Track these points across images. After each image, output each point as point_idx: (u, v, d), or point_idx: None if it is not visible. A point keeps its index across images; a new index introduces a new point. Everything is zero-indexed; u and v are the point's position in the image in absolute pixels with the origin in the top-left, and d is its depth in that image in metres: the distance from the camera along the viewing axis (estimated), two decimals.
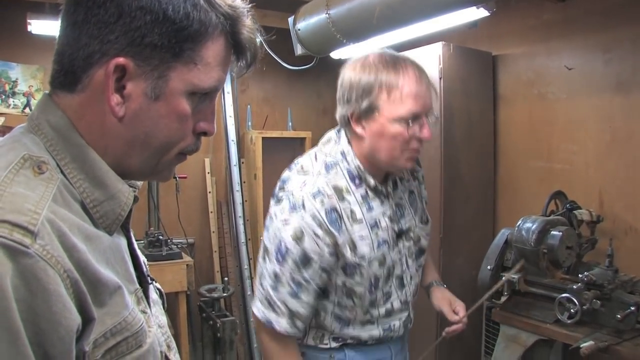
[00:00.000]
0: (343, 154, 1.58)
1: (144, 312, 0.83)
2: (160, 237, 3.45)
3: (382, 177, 1.63)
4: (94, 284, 0.69)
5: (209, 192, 4.32)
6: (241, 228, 3.91)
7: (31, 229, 0.63)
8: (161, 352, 0.86)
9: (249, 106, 4.41)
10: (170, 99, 0.78)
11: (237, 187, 3.93)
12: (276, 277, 1.50)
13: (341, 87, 1.55)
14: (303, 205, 1.47)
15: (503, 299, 2.40)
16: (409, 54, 3.07)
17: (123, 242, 0.85)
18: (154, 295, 0.95)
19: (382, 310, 1.62)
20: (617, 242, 2.41)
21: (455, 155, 3.01)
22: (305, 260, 1.47)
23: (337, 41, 2.39)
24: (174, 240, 3.65)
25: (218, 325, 3.40)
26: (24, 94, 3.64)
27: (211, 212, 4.30)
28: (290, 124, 4.42)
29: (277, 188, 1.58)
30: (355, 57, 1.58)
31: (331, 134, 1.65)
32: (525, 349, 2.30)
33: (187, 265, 3.41)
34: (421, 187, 1.81)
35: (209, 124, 0.85)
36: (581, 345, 1.94)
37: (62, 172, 0.74)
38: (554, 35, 2.92)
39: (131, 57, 0.74)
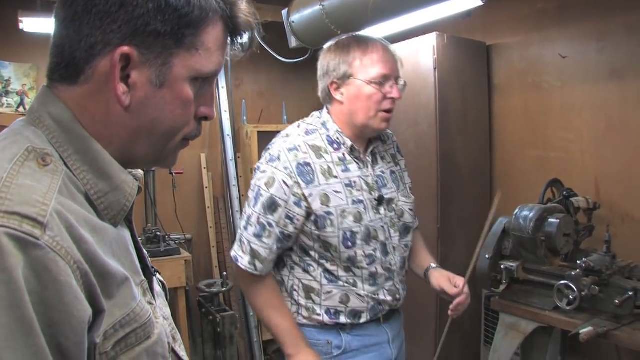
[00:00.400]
0: (324, 123, 1.79)
1: (150, 303, 0.83)
2: (158, 234, 3.45)
3: (364, 149, 1.82)
4: (102, 275, 0.69)
5: (206, 188, 4.31)
6: (238, 223, 3.90)
7: (40, 221, 0.63)
8: (168, 343, 0.86)
9: (243, 101, 4.40)
10: (175, 85, 0.78)
11: (233, 181, 3.92)
12: (248, 219, 1.72)
13: (320, 65, 1.80)
14: (279, 158, 1.69)
15: (502, 287, 2.41)
16: (403, 44, 3.11)
17: (127, 234, 0.85)
18: (157, 287, 0.95)
19: (366, 272, 1.74)
20: (614, 229, 2.42)
21: (451, 146, 3.01)
22: (271, 205, 1.67)
23: (331, 33, 2.38)
24: (171, 236, 3.65)
25: (218, 320, 3.40)
26: (17, 93, 3.63)
27: (208, 207, 4.30)
28: (285, 117, 4.41)
29: (264, 151, 1.80)
30: (330, 41, 1.82)
31: (315, 112, 1.86)
32: (524, 336, 2.31)
33: (185, 261, 3.41)
34: (404, 174, 1.97)
35: (210, 108, 0.86)
36: (580, 332, 1.95)
37: (65, 164, 0.74)
38: (548, 24, 2.92)
39: (135, 45, 0.74)
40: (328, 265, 1.74)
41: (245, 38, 0.86)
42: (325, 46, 1.82)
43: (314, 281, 1.75)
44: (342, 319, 1.75)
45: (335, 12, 2.31)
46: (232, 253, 1.78)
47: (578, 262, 2.10)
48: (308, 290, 1.77)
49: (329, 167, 1.71)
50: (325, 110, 1.83)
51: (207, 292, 3.59)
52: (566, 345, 2.44)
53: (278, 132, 1.83)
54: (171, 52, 0.77)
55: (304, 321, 1.79)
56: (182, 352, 0.93)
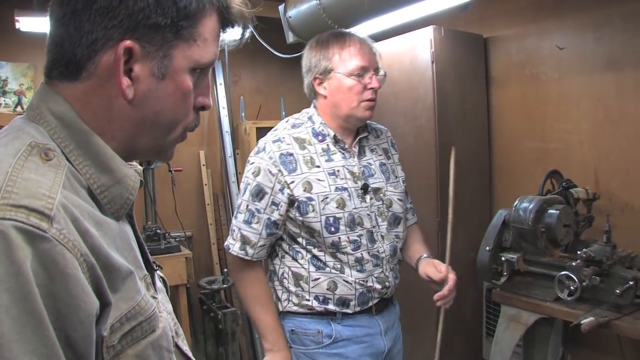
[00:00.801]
0: (310, 117, 1.90)
1: (154, 297, 0.84)
2: (158, 231, 3.45)
3: (351, 140, 1.90)
4: (108, 269, 0.70)
5: (205, 185, 4.31)
6: None
7: (47, 213, 0.63)
8: (172, 337, 0.86)
9: (241, 97, 4.39)
10: (176, 76, 0.80)
11: (232, 178, 3.93)
12: (239, 207, 1.83)
13: (304, 63, 1.90)
14: (264, 149, 1.80)
15: (503, 279, 2.41)
16: (401, 38, 3.10)
17: (129, 229, 0.86)
18: (158, 283, 0.95)
19: (352, 257, 1.80)
20: (614, 220, 2.42)
21: (449, 139, 3.00)
22: (259, 192, 1.78)
23: (328, 27, 2.38)
24: (171, 234, 3.65)
25: (219, 316, 3.40)
26: (14, 93, 3.63)
27: (208, 204, 4.30)
28: (283, 113, 4.41)
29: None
30: (311, 39, 1.92)
31: (306, 108, 1.96)
32: (526, 328, 2.31)
33: (186, 258, 3.41)
34: (397, 167, 2.03)
35: (207, 97, 0.88)
36: (582, 322, 1.95)
37: (67, 159, 0.75)
38: (545, 15, 2.92)
39: (136, 39, 0.75)
40: (315, 251, 1.81)
41: (238, 28, 0.88)
42: (308, 44, 1.91)
43: (302, 268, 1.82)
44: (331, 306, 1.81)
45: (331, 7, 2.31)
46: (225, 243, 1.88)
47: (578, 252, 2.11)
48: (297, 278, 1.83)
49: (311, 157, 1.80)
50: (312, 106, 1.93)
51: (208, 289, 3.59)
52: (568, 336, 2.45)
53: None
54: (171, 44, 0.78)
55: (295, 308, 1.85)
56: (185, 347, 0.94)
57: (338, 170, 1.82)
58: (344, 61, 1.80)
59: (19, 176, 0.65)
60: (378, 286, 1.84)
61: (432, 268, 1.86)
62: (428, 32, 2.96)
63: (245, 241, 1.80)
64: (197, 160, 4.34)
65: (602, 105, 2.69)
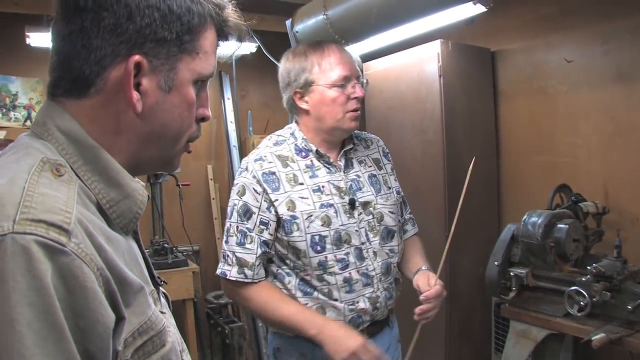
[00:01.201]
0: (292, 133, 1.83)
1: (162, 312, 0.85)
2: (166, 245, 3.44)
3: (336, 154, 1.83)
4: (121, 283, 0.71)
5: (213, 199, 4.31)
6: None
7: (66, 228, 0.64)
8: (180, 352, 0.87)
9: (249, 112, 4.40)
10: (181, 89, 0.82)
11: None
12: (228, 231, 1.75)
13: (281, 77, 1.83)
14: (247, 168, 1.75)
15: (512, 294, 2.39)
16: (408, 52, 3.11)
17: (134, 244, 0.86)
18: (162, 298, 0.95)
19: (340, 278, 1.72)
20: (624, 234, 2.39)
21: (457, 153, 2.99)
22: (246, 212, 1.71)
23: (335, 42, 2.38)
24: (179, 248, 3.65)
25: (226, 331, 3.39)
26: (24, 107, 3.65)
27: (215, 218, 4.30)
28: None
29: None
30: (286, 51, 1.86)
31: (288, 125, 1.89)
32: (536, 344, 2.29)
33: (193, 272, 3.41)
34: (389, 177, 1.94)
35: (206, 109, 0.90)
36: (592, 338, 1.93)
37: (76, 174, 0.75)
38: (552, 29, 2.91)
39: (144, 53, 0.77)
40: (302, 274, 1.73)
41: (233, 40, 0.91)
42: (283, 57, 1.84)
43: (289, 294, 1.74)
44: None
45: (338, 22, 2.31)
46: (218, 271, 1.77)
47: (588, 267, 2.09)
48: None
49: (294, 174, 1.74)
50: (294, 122, 1.87)
51: (216, 304, 3.59)
52: (578, 352, 2.42)
53: None
54: (176, 57, 0.80)
55: (280, 331, 1.78)
56: None
57: (323, 186, 1.75)
58: (325, 72, 1.73)
59: (36, 191, 0.66)
60: (369, 306, 1.75)
61: (425, 280, 1.76)
62: (435, 46, 2.97)
63: (242, 264, 1.71)
64: (204, 174, 4.34)
65: (611, 118, 2.67)
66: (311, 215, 1.70)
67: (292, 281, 1.74)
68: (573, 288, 2.08)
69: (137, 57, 0.76)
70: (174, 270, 3.30)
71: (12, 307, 0.58)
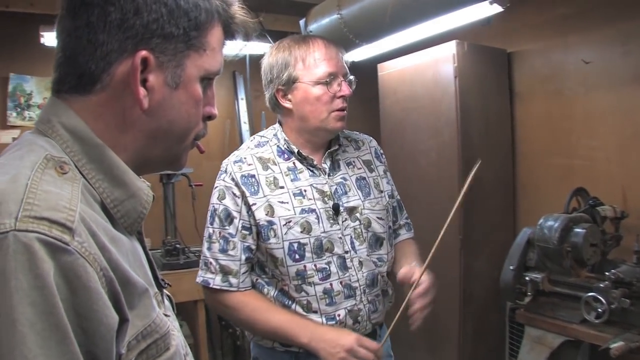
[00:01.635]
0: (275, 135, 1.73)
1: (166, 315, 0.83)
2: (178, 246, 3.43)
3: (321, 155, 1.72)
4: (125, 284, 0.69)
5: None
6: None
7: (69, 226, 0.63)
8: (184, 355, 0.86)
9: (263, 112, 4.39)
10: (188, 85, 0.81)
11: None
12: (209, 238, 1.66)
13: (263, 73, 1.71)
14: (225, 170, 1.66)
15: (527, 299, 2.36)
16: (423, 53, 3.08)
17: (138, 245, 0.85)
18: (166, 301, 0.94)
19: (319, 288, 1.61)
20: None
21: (473, 155, 2.96)
22: (227, 217, 1.62)
23: (350, 42, 2.36)
24: (191, 249, 3.63)
25: (237, 333, 3.38)
26: (38, 106, 3.66)
27: None
28: None
29: None
30: (270, 45, 1.75)
31: (273, 125, 1.79)
32: (551, 350, 2.25)
33: None
34: (381, 180, 1.82)
35: (213, 107, 0.89)
36: (611, 346, 1.89)
37: (80, 173, 0.74)
38: (570, 29, 2.87)
39: (151, 49, 0.76)
40: (281, 284, 1.64)
41: (240, 38, 0.90)
42: (267, 51, 1.73)
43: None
44: (294, 348, 1.62)
45: (353, 21, 2.29)
46: (198, 279, 1.67)
47: (607, 273, 2.05)
48: None
49: (274, 177, 1.64)
50: (277, 120, 1.78)
51: None
52: None
53: None
54: (183, 53, 0.79)
55: (261, 342, 1.70)
56: None
57: (305, 190, 1.64)
58: (309, 68, 1.62)
59: (39, 188, 0.65)
60: (349, 321, 1.63)
61: (407, 269, 1.62)
62: (451, 47, 2.93)
63: (225, 271, 1.61)
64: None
65: (630, 120, 2.62)
66: (290, 221, 1.60)
67: (271, 292, 1.65)
68: (590, 294, 2.04)
69: (144, 53, 0.75)
70: (185, 270, 3.28)
71: (14, 307, 0.57)
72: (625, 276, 2.01)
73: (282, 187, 1.63)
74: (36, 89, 3.64)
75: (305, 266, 1.60)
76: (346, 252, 1.65)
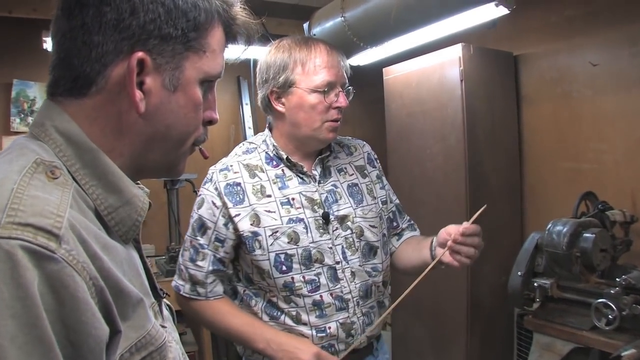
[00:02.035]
0: (264, 141, 1.68)
1: (163, 326, 0.81)
2: None
3: (312, 162, 1.67)
4: (117, 294, 0.67)
5: None
6: None
7: (56, 233, 0.60)
8: None
9: (268, 117, 4.37)
10: (187, 88, 0.79)
11: None
12: (184, 245, 1.64)
13: (259, 71, 1.64)
14: (211, 179, 1.60)
15: (535, 305, 2.32)
16: (429, 56, 3.06)
17: (135, 254, 0.82)
18: (165, 311, 0.92)
19: (309, 300, 1.56)
20: None
21: (479, 159, 2.93)
22: (201, 226, 1.58)
23: (354, 45, 2.33)
24: None
25: None
26: None
27: None
28: None
29: None
30: (270, 43, 1.67)
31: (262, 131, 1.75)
32: (560, 357, 2.21)
33: None
34: (374, 186, 1.77)
35: (213, 111, 0.87)
36: (622, 354, 1.85)
37: (73, 178, 0.72)
38: (577, 31, 2.84)
39: (147, 51, 0.74)
40: (269, 296, 1.59)
41: (242, 38, 0.88)
42: (265, 50, 1.66)
43: (255, 317, 1.61)
44: None
45: (357, 24, 2.26)
46: (173, 283, 1.67)
47: (617, 279, 2.01)
48: None
49: (261, 185, 1.59)
50: (267, 123, 1.73)
51: None
52: None
53: None
54: (182, 55, 0.77)
55: (252, 357, 1.66)
56: None
57: (293, 199, 1.58)
58: (308, 74, 1.55)
59: (25, 193, 0.62)
60: (341, 334, 1.57)
61: (452, 226, 1.58)
62: (457, 50, 2.91)
63: (194, 281, 1.59)
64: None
65: (639, 123, 2.58)
66: (277, 232, 1.54)
67: (259, 303, 1.61)
68: (601, 300, 2.00)
69: (140, 54, 0.72)
70: None
71: None
72: (636, 282, 1.97)
73: (269, 196, 1.58)
74: (39, 94, 3.63)
75: (292, 278, 1.55)
76: (337, 263, 1.60)
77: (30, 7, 3.18)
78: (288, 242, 1.55)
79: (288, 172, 1.63)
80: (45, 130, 0.74)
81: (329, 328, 1.57)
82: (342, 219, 1.63)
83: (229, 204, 1.55)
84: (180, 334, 0.95)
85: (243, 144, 1.72)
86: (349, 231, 1.63)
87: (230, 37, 0.86)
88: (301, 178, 1.63)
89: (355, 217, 1.65)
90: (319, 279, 1.57)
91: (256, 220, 1.55)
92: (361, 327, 1.62)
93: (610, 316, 1.97)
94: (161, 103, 0.77)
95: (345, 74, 1.63)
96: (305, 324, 1.57)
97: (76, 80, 0.74)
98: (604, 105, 2.75)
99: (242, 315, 1.60)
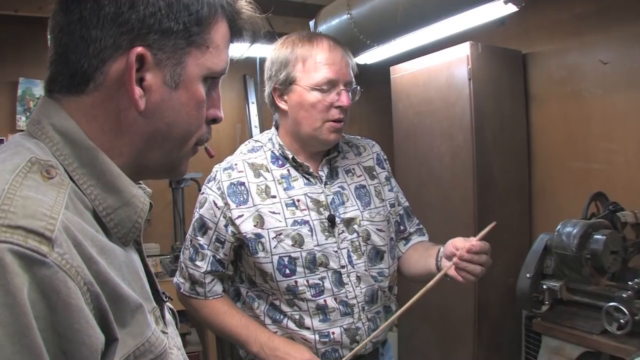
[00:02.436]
0: (270, 139, 1.64)
1: (164, 332, 0.78)
2: None
3: (319, 162, 1.63)
4: (114, 300, 0.64)
5: None
6: None
7: (48, 236, 0.57)
8: None
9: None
10: (189, 85, 0.76)
11: None
12: (185, 243, 1.62)
13: (266, 67, 1.60)
14: (214, 177, 1.57)
15: (544, 308, 2.28)
16: (436, 55, 3.02)
17: (136, 257, 0.80)
18: (167, 315, 0.89)
19: (312, 304, 1.52)
20: None
21: (487, 159, 2.90)
22: (201, 226, 1.56)
23: (360, 43, 2.31)
24: None
25: None
26: None
27: None
28: None
29: None
30: (278, 39, 1.62)
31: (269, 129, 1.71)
32: None
33: None
34: (383, 187, 1.72)
35: (218, 110, 0.84)
36: None
37: (70, 178, 0.69)
38: (587, 29, 2.80)
39: (147, 46, 0.71)
40: (272, 298, 1.56)
41: (247, 34, 0.84)
42: (272, 46, 1.62)
43: (258, 320, 1.58)
44: None
45: (363, 21, 2.24)
46: (174, 280, 1.66)
47: (630, 282, 1.97)
48: None
49: (266, 186, 1.54)
50: (274, 121, 1.68)
51: None
52: None
53: None
54: (184, 50, 0.74)
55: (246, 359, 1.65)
56: None
57: (298, 200, 1.54)
58: (308, 71, 1.50)
59: (17, 194, 0.59)
60: (346, 339, 1.53)
61: (461, 241, 1.50)
62: (465, 49, 2.88)
63: (193, 280, 1.58)
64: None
65: None
66: (280, 234, 1.50)
67: (261, 306, 1.58)
68: (612, 304, 1.96)
69: (139, 49, 0.69)
70: None
71: None
72: None
73: (273, 197, 1.53)
74: None
75: (296, 282, 1.51)
76: (342, 267, 1.55)
77: (36, 6, 3.18)
78: (292, 245, 1.51)
79: (294, 173, 1.58)
80: (42, 128, 0.71)
81: (333, 333, 1.53)
82: (349, 222, 1.58)
83: (232, 205, 1.51)
84: (184, 334, 0.93)
85: (249, 142, 1.68)
86: (355, 234, 1.58)
87: (235, 32, 0.82)
88: (307, 179, 1.59)
89: (362, 220, 1.60)
90: (323, 283, 1.53)
91: (260, 221, 1.51)
92: (366, 333, 1.57)
93: (622, 320, 1.93)
94: (162, 100, 0.74)
95: (350, 72, 1.57)
96: (308, 328, 1.53)
97: (74, 76, 0.71)
98: (614, 104, 2.71)
99: (238, 317, 1.57)
